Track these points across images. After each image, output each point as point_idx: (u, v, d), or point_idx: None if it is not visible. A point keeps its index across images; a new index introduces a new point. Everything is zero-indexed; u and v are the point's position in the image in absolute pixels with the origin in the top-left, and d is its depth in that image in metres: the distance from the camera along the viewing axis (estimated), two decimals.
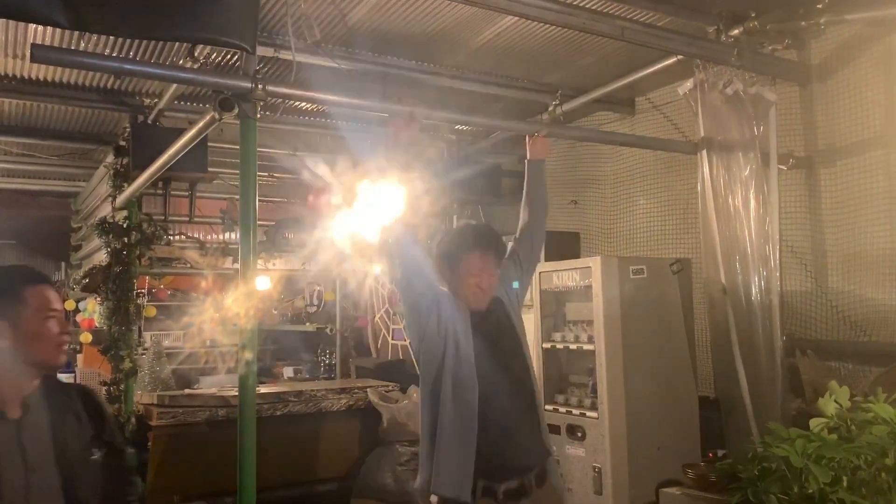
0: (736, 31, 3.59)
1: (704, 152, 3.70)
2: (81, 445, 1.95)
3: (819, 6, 3.50)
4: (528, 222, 2.99)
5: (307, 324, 7.38)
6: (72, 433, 1.94)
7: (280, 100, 4.44)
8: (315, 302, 7.35)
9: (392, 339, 6.68)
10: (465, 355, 2.57)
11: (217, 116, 2.76)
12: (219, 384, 5.37)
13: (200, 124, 2.98)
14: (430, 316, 2.60)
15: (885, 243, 3.52)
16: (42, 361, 1.93)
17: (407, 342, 6.29)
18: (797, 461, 2.17)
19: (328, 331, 7.17)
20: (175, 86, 4.08)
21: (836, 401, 2.65)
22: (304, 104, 4.71)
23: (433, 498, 2.50)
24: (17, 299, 1.90)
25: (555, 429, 3.96)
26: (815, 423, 2.57)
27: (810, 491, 2.15)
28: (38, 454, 1.86)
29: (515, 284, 2.86)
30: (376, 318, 6.94)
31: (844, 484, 2.19)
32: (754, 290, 3.63)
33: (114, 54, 3.69)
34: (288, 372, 7.25)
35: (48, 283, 2.00)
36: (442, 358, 2.57)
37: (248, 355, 2.78)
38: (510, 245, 2.99)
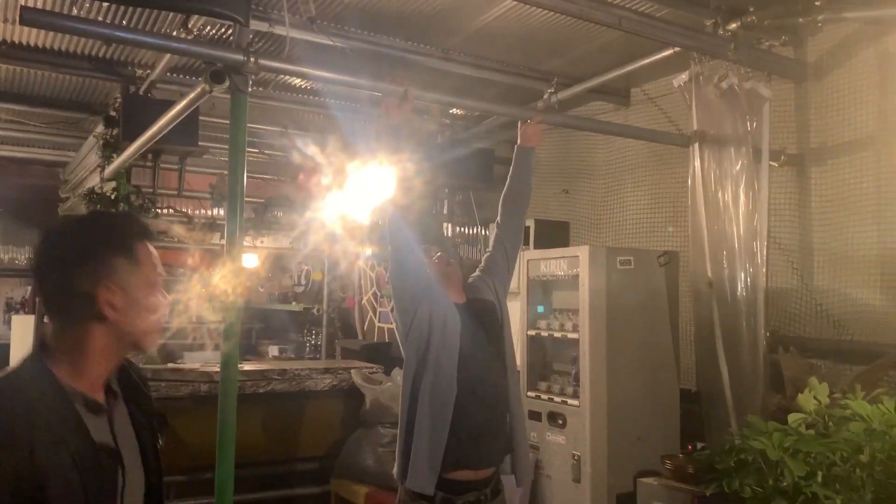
0: (734, 26, 3.58)
1: (696, 146, 3.70)
2: (152, 434, 1.54)
3: (817, 3, 3.48)
4: (511, 209, 3.00)
5: (294, 303, 7.37)
6: (143, 421, 1.52)
7: (272, 75, 4.44)
8: (303, 282, 7.34)
9: (379, 321, 6.68)
10: (449, 354, 2.62)
11: (208, 88, 2.74)
12: (204, 360, 5.35)
13: (191, 96, 2.95)
14: (421, 304, 2.65)
15: (872, 244, 3.53)
16: (140, 340, 1.46)
17: (394, 326, 6.29)
18: (773, 454, 2.19)
19: (315, 311, 7.16)
20: (168, 57, 4.05)
21: (815, 397, 2.67)
22: (296, 81, 4.68)
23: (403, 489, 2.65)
24: (131, 258, 1.41)
25: (536, 415, 3.98)
26: (793, 418, 2.59)
27: (784, 484, 2.17)
28: (128, 451, 1.43)
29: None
30: (364, 300, 6.93)
31: (819, 479, 2.21)
32: (740, 286, 3.64)
33: (108, 21, 3.65)
34: (273, 351, 7.25)
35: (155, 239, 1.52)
36: (426, 351, 2.63)
37: (232, 332, 2.76)
38: (493, 232, 3.01)
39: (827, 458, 2.22)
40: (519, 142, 3.12)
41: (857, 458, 2.22)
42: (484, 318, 2.80)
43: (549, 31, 3.96)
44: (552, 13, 3.60)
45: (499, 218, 3.00)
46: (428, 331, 2.64)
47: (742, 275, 3.65)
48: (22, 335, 6.25)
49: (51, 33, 3.99)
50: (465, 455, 2.60)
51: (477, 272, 3.02)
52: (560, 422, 3.89)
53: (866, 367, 3.34)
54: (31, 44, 4.16)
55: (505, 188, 3.02)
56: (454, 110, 5.41)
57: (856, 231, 3.60)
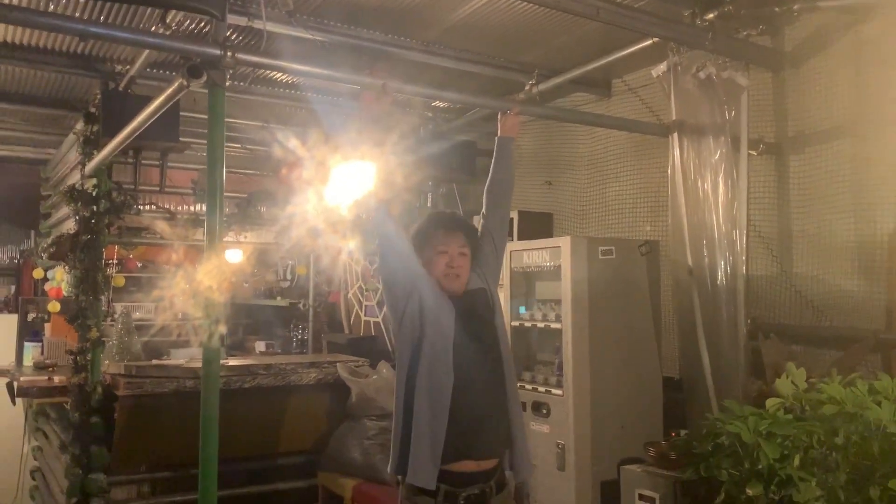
0: (711, 15, 3.60)
1: (676, 135, 3.73)
2: None
3: None
4: (496, 200, 2.99)
5: (279, 298, 7.36)
6: None
7: (251, 69, 4.43)
8: (288, 277, 7.33)
9: (364, 315, 6.69)
10: (444, 344, 2.57)
11: (185, 84, 2.73)
12: (190, 357, 5.34)
13: (169, 91, 2.94)
14: (411, 297, 2.60)
15: (849, 231, 3.57)
16: None
17: (379, 319, 6.30)
18: (748, 437, 2.22)
19: (301, 306, 7.15)
20: (147, 53, 4.03)
21: (792, 382, 2.70)
22: (276, 75, 4.67)
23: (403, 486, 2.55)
24: None
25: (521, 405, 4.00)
26: (771, 403, 2.62)
27: (760, 467, 2.20)
28: None
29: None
30: (349, 295, 6.94)
31: (795, 461, 2.24)
32: (720, 274, 3.68)
33: (85, 17, 3.62)
34: (260, 346, 7.23)
35: None
36: (419, 342, 2.57)
37: (214, 327, 2.76)
38: (480, 223, 3.01)
39: (802, 441, 2.25)
40: (499, 133, 3.13)
41: (832, 441, 2.25)
42: (477, 309, 2.74)
43: (528, 23, 3.97)
44: (530, 4, 3.60)
45: (484, 209, 2.99)
46: (420, 322, 2.59)
47: (722, 263, 3.68)
48: (5, 333, 6.22)
49: (27, 30, 3.96)
50: (465, 445, 2.53)
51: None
52: (544, 411, 3.91)
53: (845, 351, 3.39)
54: (8, 40, 4.13)
55: (488, 180, 3.02)
56: (436, 103, 5.41)
57: (834, 218, 3.64)
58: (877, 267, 3.45)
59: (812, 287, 3.73)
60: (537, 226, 4.98)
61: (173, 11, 3.40)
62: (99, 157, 4.30)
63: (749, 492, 2.14)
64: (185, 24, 3.79)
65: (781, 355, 3.58)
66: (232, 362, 4.76)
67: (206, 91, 2.79)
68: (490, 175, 3.02)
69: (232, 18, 3.25)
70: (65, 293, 5.73)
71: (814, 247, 3.73)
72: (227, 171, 2.81)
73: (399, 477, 2.59)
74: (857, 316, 3.51)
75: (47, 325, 6.02)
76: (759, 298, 3.91)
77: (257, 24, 3.47)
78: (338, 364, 4.80)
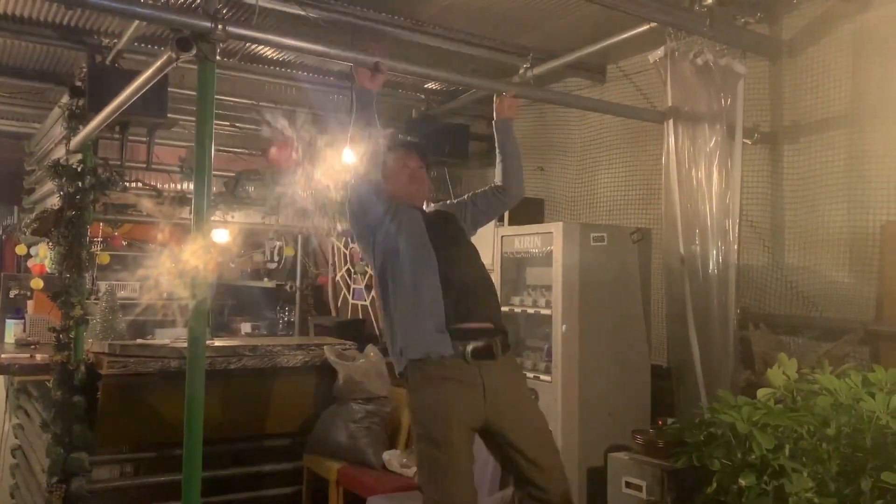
0: (710, 1, 3.56)
1: (671, 122, 3.69)
2: None
3: None
4: (505, 190, 3.09)
5: (266, 280, 7.31)
6: None
7: (241, 44, 4.35)
8: (275, 258, 7.27)
9: (353, 298, 6.65)
10: (420, 240, 2.75)
11: (174, 56, 2.66)
12: (175, 336, 5.29)
13: (157, 64, 2.87)
14: (385, 218, 2.76)
15: (842, 222, 3.56)
16: None
17: (367, 302, 6.26)
18: (742, 427, 2.21)
19: (288, 288, 7.10)
20: (135, 25, 3.94)
21: (784, 372, 2.69)
22: (267, 52, 4.59)
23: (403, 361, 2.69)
24: None
25: None
26: (762, 393, 2.61)
27: (753, 457, 2.19)
28: None
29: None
30: (337, 277, 6.89)
31: (787, 452, 2.23)
32: (712, 263, 3.66)
33: None
34: (246, 328, 7.18)
35: None
36: (395, 239, 2.74)
37: (200, 308, 2.71)
38: (479, 192, 3.07)
39: (794, 432, 2.25)
40: (496, 117, 3.10)
41: (824, 432, 2.25)
42: (447, 220, 2.95)
43: (524, 5, 3.92)
44: None
45: (488, 187, 3.12)
46: (395, 231, 2.75)
47: (714, 252, 3.67)
48: None
49: None
50: (465, 309, 2.68)
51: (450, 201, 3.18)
52: (533, 397, 3.89)
53: (834, 342, 3.39)
54: None
55: (499, 169, 3.05)
56: (429, 84, 5.35)
57: (826, 209, 3.63)
58: (868, 259, 3.45)
59: (803, 277, 3.72)
60: (529, 211, 4.92)
61: None
62: (84, 131, 4.21)
63: (741, 482, 2.13)
64: None
65: (770, 345, 3.58)
66: (217, 343, 4.70)
67: (195, 66, 2.72)
68: (499, 164, 3.04)
69: None
70: (48, 270, 5.66)
71: (805, 237, 3.72)
72: (215, 150, 2.75)
73: (405, 362, 2.69)
74: (846, 307, 3.51)
75: (30, 302, 5.94)
76: (749, 288, 3.90)
77: None
78: (325, 347, 4.76)
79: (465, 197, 3.12)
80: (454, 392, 2.60)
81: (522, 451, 2.68)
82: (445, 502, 2.54)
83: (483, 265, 2.92)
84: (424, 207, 3.00)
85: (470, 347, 2.62)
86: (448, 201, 3.18)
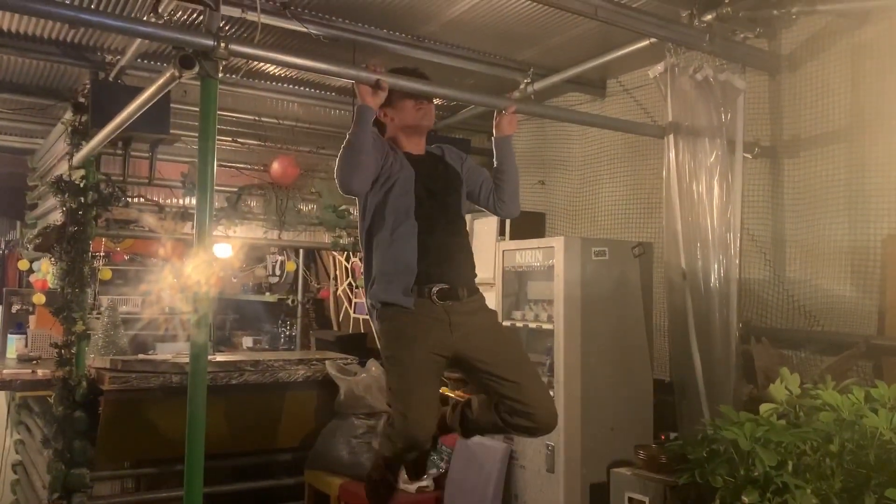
0: (709, 17, 3.58)
1: (671, 137, 3.71)
2: None
3: None
4: (502, 204, 3.04)
5: (268, 294, 7.31)
6: None
7: (244, 61, 4.38)
8: (277, 272, 7.28)
9: (354, 312, 6.64)
10: (406, 178, 2.78)
11: (177, 74, 2.68)
12: (176, 352, 5.29)
13: (160, 82, 2.89)
14: (378, 182, 2.77)
15: (843, 236, 3.56)
16: None
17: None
18: (745, 444, 2.20)
19: (289, 302, 7.10)
20: (138, 42, 3.96)
21: (786, 387, 2.69)
22: (269, 68, 4.61)
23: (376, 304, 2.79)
24: None
25: None
26: (764, 409, 2.61)
27: (756, 474, 2.18)
28: None
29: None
30: (339, 291, 6.89)
31: (790, 468, 2.22)
32: (713, 277, 3.66)
33: (75, 4, 3.56)
34: (248, 342, 7.18)
35: None
36: (384, 196, 2.77)
37: (202, 323, 2.72)
38: (488, 183, 3.05)
39: (797, 448, 2.24)
40: (495, 133, 3.10)
41: (827, 448, 2.24)
42: (438, 171, 2.92)
43: (524, 21, 3.93)
44: (528, 1, 3.58)
45: (490, 182, 3.08)
46: (383, 195, 2.79)
47: (715, 266, 3.66)
48: None
49: (16, 16, 3.88)
50: (438, 273, 2.74)
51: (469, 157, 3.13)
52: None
53: (837, 357, 3.38)
54: None
55: (498, 183, 3.04)
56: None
57: (827, 223, 3.63)
58: (869, 273, 3.44)
59: (804, 291, 3.72)
60: (530, 225, 4.94)
61: (166, 0, 3.34)
62: (87, 147, 4.23)
63: (745, 499, 2.12)
64: (178, 15, 3.74)
65: (772, 360, 3.57)
66: (219, 358, 4.71)
67: (197, 83, 2.74)
68: (499, 179, 3.03)
69: (226, 9, 3.18)
70: (50, 285, 5.66)
71: (806, 251, 3.72)
72: (217, 165, 2.76)
73: (378, 305, 2.79)
74: (848, 321, 3.50)
75: (32, 318, 5.94)
76: (751, 302, 3.89)
77: (251, 16, 3.42)
78: (326, 361, 4.76)
79: (484, 174, 3.06)
80: (421, 323, 2.71)
81: (499, 375, 2.72)
82: (410, 416, 2.63)
83: (465, 231, 2.97)
84: (427, 150, 2.98)
85: (435, 289, 2.71)
86: (467, 155, 3.11)
